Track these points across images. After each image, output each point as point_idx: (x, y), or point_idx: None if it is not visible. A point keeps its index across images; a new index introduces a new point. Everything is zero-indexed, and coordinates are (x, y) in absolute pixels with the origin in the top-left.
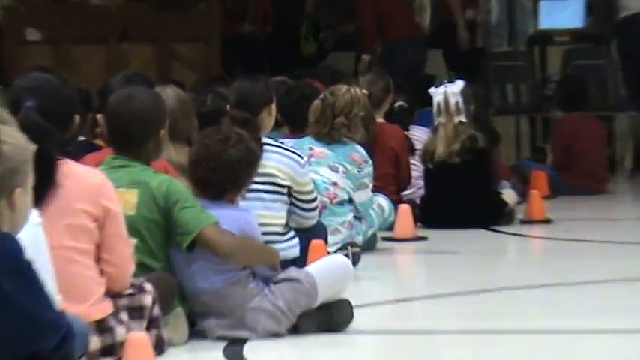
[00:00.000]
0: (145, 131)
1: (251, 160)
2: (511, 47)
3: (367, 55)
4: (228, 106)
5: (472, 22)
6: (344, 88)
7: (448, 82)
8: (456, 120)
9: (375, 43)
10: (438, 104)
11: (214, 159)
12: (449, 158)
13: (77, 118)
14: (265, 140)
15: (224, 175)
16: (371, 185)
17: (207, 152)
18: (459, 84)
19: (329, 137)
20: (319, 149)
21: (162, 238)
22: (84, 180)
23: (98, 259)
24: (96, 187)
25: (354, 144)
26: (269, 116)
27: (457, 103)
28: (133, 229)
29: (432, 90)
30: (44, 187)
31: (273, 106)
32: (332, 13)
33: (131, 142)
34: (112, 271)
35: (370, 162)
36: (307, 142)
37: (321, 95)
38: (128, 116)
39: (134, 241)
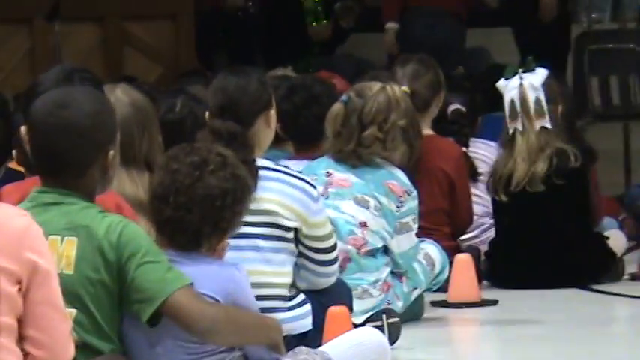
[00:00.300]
0: (86, 152)
1: (239, 192)
2: (617, 24)
3: (393, 23)
4: (207, 114)
5: None
6: (376, 86)
7: (524, 72)
8: (537, 126)
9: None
10: (512, 103)
11: (186, 192)
12: (529, 185)
13: None
14: (262, 163)
15: (200, 215)
16: (416, 227)
17: (176, 182)
18: (541, 74)
19: (355, 158)
20: (341, 175)
21: (113, 308)
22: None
23: (21, 339)
24: (17, 233)
25: (392, 167)
26: (266, 127)
27: (538, 101)
28: (72, 295)
29: (501, 83)
30: None
31: (273, 112)
32: None
33: (66, 168)
34: (41, 356)
35: (415, 193)
36: (324, 165)
37: (343, 97)
38: (61, 131)
39: (73, 311)
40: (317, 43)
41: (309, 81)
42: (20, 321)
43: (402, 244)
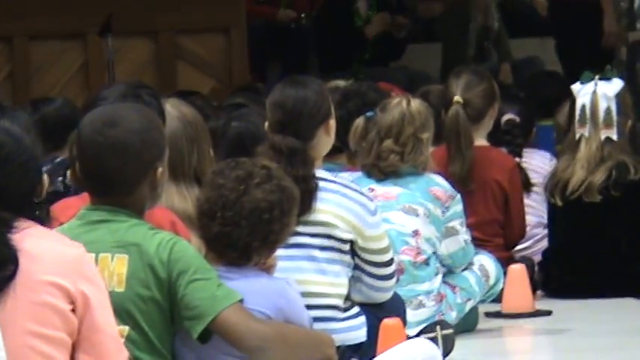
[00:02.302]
0: (135, 170)
1: (286, 204)
2: None
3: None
4: (266, 126)
5: None
6: (395, 100)
7: (601, 79)
8: (603, 135)
9: None
10: (583, 108)
11: (233, 206)
12: (586, 194)
13: (45, 178)
14: (320, 174)
15: (249, 229)
16: (463, 229)
17: (222, 197)
18: (617, 84)
19: (378, 171)
20: (384, 188)
21: (166, 325)
22: (54, 248)
23: None
24: (71, 261)
25: (431, 174)
26: (327, 137)
27: (609, 111)
28: (123, 313)
29: (575, 87)
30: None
31: (333, 121)
32: None
33: (115, 186)
34: None
35: (459, 197)
36: (365, 183)
37: (368, 113)
38: (109, 150)
39: (125, 329)
40: (374, 42)
41: (364, 88)
42: (75, 348)
43: (449, 247)
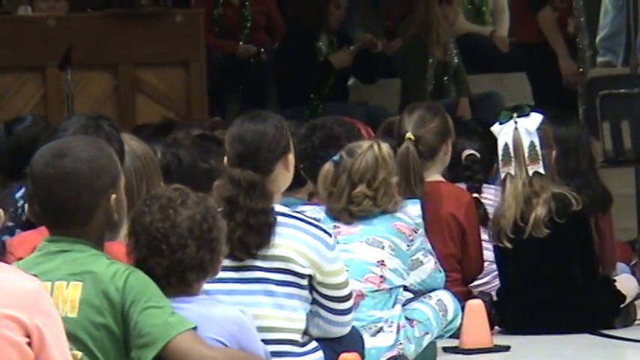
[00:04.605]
0: (86, 199)
1: (213, 210)
2: (629, 68)
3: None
4: (225, 160)
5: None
6: (365, 144)
7: (519, 116)
8: (531, 171)
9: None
10: (506, 147)
11: (173, 232)
12: (534, 230)
13: (0, 214)
14: (278, 209)
15: (196, 246)
16: (427, 259)
17: (157, 230)
18: (536, 119)
19: (347, 215)
20: (348, 226)
21: (119, 354)
22: (12, 281)
23: None
24: (28, 295)
25: (395, 211)
26: (285, 171)
27: (533, 146)
28: (75, 338)
29: (495, 128)
30: None
31: (291, 156)
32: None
33: (69, 216)
34: None
35: (422, 230)
36: (328, 222)
37: (334, 157)
38: (59, 181)
39: (78, 354)
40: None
41: (329, 122)
42: None
43: (417, 278)
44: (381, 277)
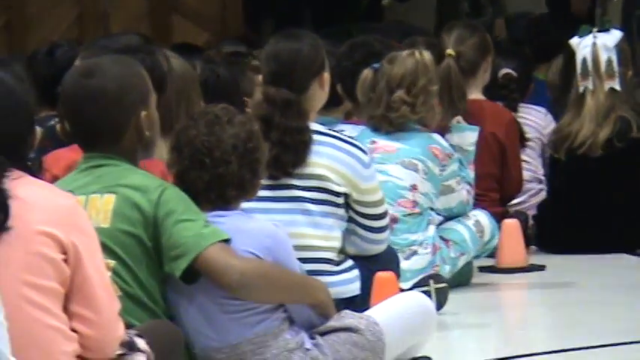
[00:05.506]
0: (116, 117)
1: (257, 132)
2: None
3: None
4: (260, 78)
5: None
6: (405, 52)
7: (599, 31)
8: (607, 86)
9: None
10: (584, 61)
11: (217, 147)
12: (590, 148)
13: (38, 131)
14: (315, 127)
15: (238, 163)
16: (459, 187)
17: (202, 144)
18: (616, 35)
19: (387, 123)
20: (385, 142)
21: (150, 263)
22: (48, 198)
23: (69, 315)
24: (63, 211)
25: (430, 132)
26: (321, 90)
27: (610, 62)
28: (108, 248)
29: (574, 41)
30: None
31: (327, 74)
32: None
33: (100, 135)
34: (91, 335)
35: (456, 156)
36: (366, 135)
37: (374, 64)
38: (88, 100)
39: (111, 263)
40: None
41: (370, 39)
42: (67, 298)
43: (445, 204)
44: (414, 201)
